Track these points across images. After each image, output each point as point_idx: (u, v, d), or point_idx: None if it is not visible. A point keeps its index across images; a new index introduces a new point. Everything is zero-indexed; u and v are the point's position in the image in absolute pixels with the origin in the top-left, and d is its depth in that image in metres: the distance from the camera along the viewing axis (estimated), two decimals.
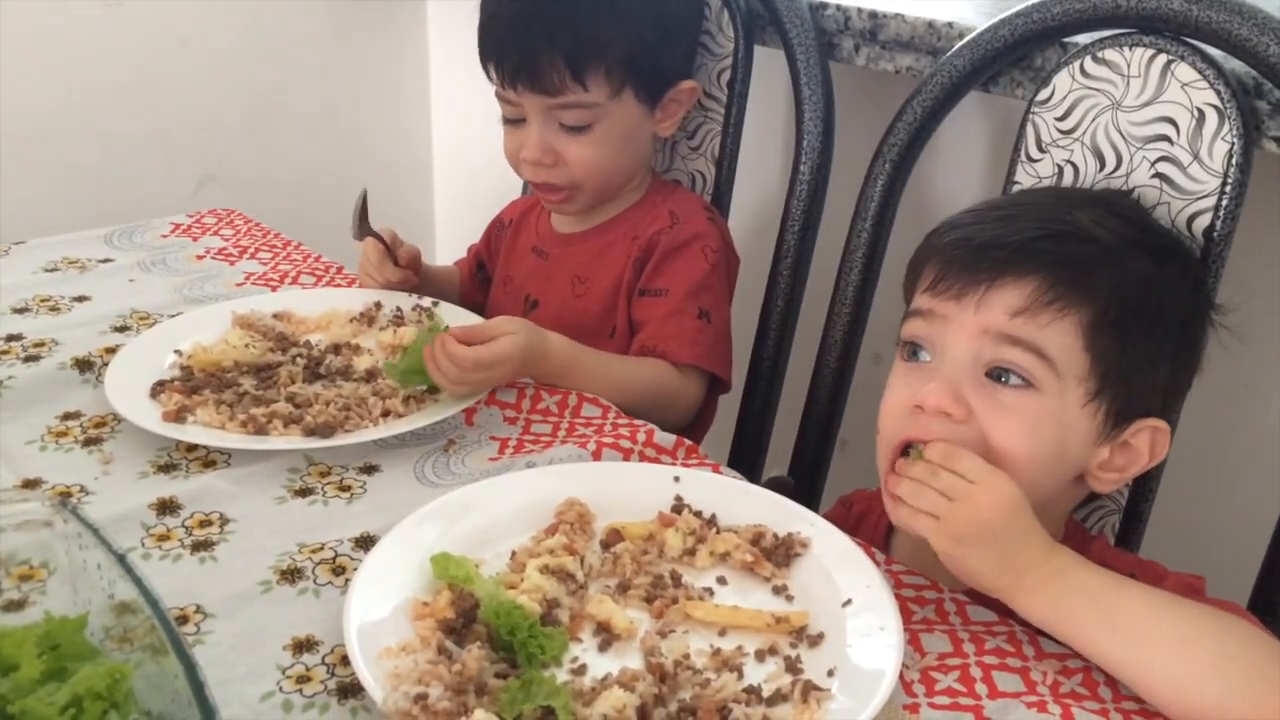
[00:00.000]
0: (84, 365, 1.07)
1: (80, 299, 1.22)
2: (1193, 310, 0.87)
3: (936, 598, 0.80)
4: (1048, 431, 0.81)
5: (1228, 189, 0.91)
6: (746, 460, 1.26)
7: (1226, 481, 1.17)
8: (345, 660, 0.71)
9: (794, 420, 1.24)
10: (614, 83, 1.11)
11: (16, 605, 0.69)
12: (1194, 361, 0.88)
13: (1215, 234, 0.92)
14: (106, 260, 1.33)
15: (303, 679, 0.71)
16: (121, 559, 0.64)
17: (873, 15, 1.19)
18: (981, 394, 0.81)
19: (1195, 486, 1.08)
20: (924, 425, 0.81)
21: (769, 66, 1.28)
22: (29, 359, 1.09)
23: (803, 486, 1.20)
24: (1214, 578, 0.87)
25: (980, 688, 0.72)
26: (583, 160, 1.14)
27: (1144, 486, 0.97)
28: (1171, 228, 0.93)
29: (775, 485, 1.04)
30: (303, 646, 0.74)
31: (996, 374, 0.81)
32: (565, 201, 1.19)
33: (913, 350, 0.86)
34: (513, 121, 1.16)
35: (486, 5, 1.15)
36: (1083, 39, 1.00)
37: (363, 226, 1.21)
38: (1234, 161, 0.91)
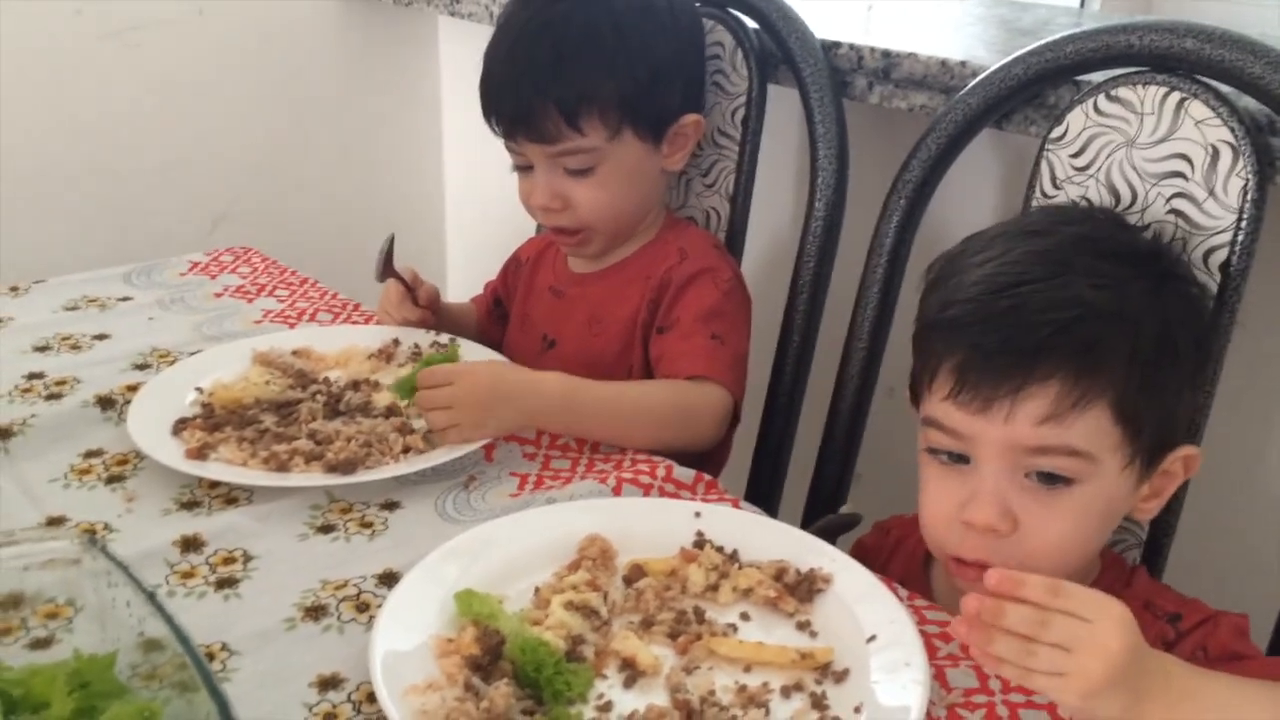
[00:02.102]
0: (106, 403, 1.08)
1: (100, 337, 1.23)
2: (1200, 324, 0.88)
3: None
4: (1095, 512, 0.82)
5: (1243, 224, 0.92)
6: (763, 495, 1.26)
7: (1246, 515, 1.17)
8: (371, 698, 0.71)
9: (811, 454, 1.24)
10: (610, 125, 1.13)
11: (43, 643, 0.70)
12: (1210, 370, 0.89)
13: (1232, 269, 0.93)
14: (126, 299, 1.34)
15: (329, 717, 0.71)
16: (152, 596, 0.64)
17: (886, 54, 1.21)
18: (1025, 499, 0.82)
19: (1214, 519, 1.08)
20: (973, 542, 0.82)
21: (783, 104, 1.29)
22: (51, 397, 1.09)
23: (818, 520, 1.20)
24: (1231, 604, 0.88)
25: None
26: (590, 202, 1.15)
27: (1164, 521, 0.97)
28: (1150, 235, 0.94)
29: (842, 521, 1.04)
30: (328, 684, 0.74)
31: (1035, 475, 0.82)
32: (581, 245, 1.20)
33: (947, 456, 0.85)
34: (522, 169, 1.18)
35: (487, 61, 1.17)
36: (1096, 77, 1.02)
37: (386, 269, 1.22)
38: (1249, 197, 0.92)
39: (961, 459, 0.84)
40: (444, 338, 1.21)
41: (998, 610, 0.65)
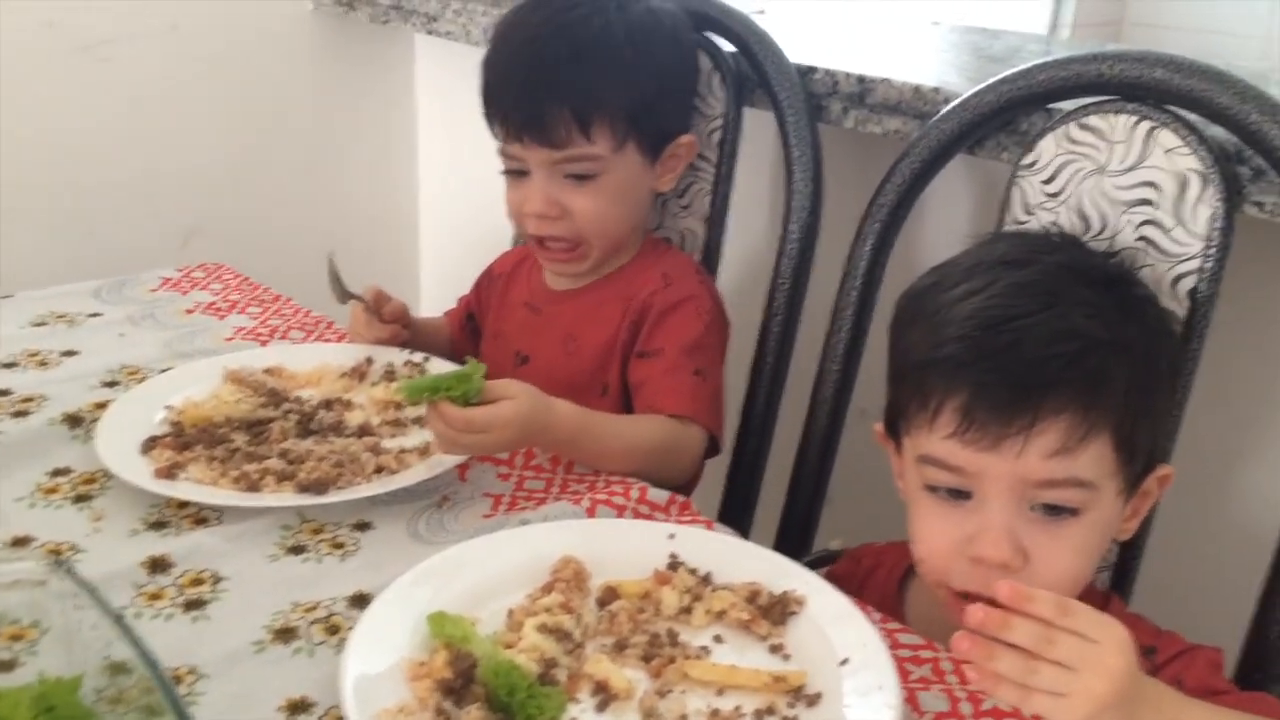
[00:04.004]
0: (74, 421, 1.06)
1: (69, 353, 1.21)
2: (1173, 343, 0.90)
3: (933, 657, 0.80)
4: (1097, 539, 0.83)
5: (1211, 252, 0.93)
6: (736, 517, 1.26)
7: (1211, 538, 1.18)
8: None
9: (783, 476, 1.24)
10: (618, 135, 1.13)
11: (6, 666, 0.69)
12: (1180, 396, 0.90)
13: (1199, 295, 0.94)
14: (95, 314, 1.32)
15: None
16: (119, 619, 0.64)
17: (861, 79, 1.22)
18: (1032, 531, 0.82)
19: (1181, 542, 1.09)
20: (982, 576, 0.81)
21: (758, 127, 1.30)
22: (18, 414, 1.08)
23: (794, 543, 1.20)
24: (1195, 627, 0.88)
25: None
26: (587, 211, 1.15)
27: (1134, 544, 0.98)
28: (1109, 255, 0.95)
29: (825, 558, 1.05)
30: (298, 708, 0.73)
31: (1040, 507, 0.82)
32: (576, 259, 1.19)
33: (947, 491, 0.85)
34: (515, 174, 1.17)
35: (492, 64, 1.17)
36: (1067, 105, 1.03)
37: (341, 290, 1.21)
38: (1217, 225, 0.93)
39: (962, 494, 0.84)
40: (417, 356, 1.20)
41: (1003, 623, 0.64)
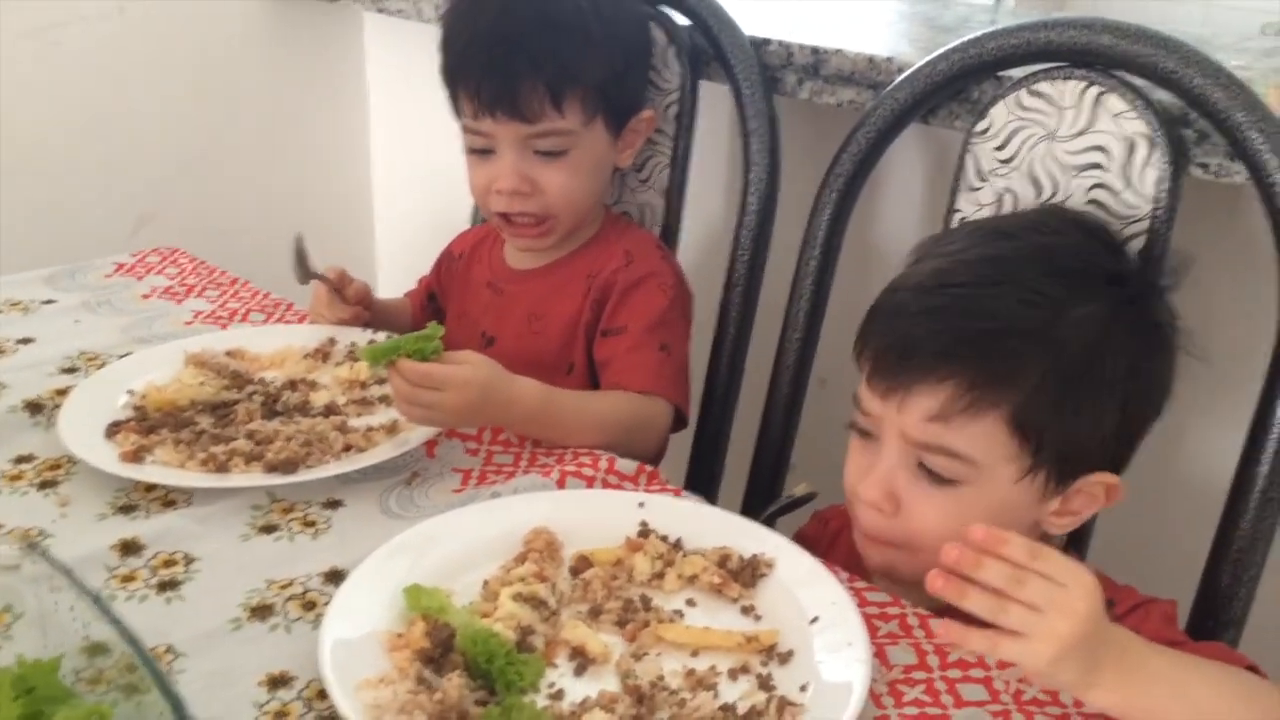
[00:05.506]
0: (34, 408, 1.06)
1: (25, 341, 1.20)
2: (1145, 350, 0.87)
3: (899, 613, 0.83)
4: (979, 514, 0.80)
5: (1159, 213, 0.96)
6: (702, 486, 1.28)
7: (1163, 492, 1.21)
8: (322, 694, 0.71)
9: (746, 444, 1.26)
10: (588, 110, 1.14)
11: None
12: (1154, 400, 0.89)
13: (1148, 256, 0.96)
14: (50, 301, 1.31)
15: (280, 715, 0.71)
16: (97, 600, 0.64)
17: (815, 50, 1.23)
18: (911, 484, 0.86)
19: (1132, 502, 1.12)
20: (866, 515, 0.88)
21: (715, 100, 1.31)
22: None
23: (759, 511, 1.22)
24: (1152, 584, 0.91)
25: (946, 698, 0.75)
26: (558, 187, 1.15)
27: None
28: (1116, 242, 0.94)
29: (798, 501, 1.06)
30: (278, 682, 0.74)
31: (924, 468, 0.85)
32: (543, 235, 1.19)
33: (859, 430, 0.90)
34: (481, 152, 1.16)
35: (457, 35, 1.15)
36: (1017, 73, 1.05)
37: (305, 271, 1.20)
38: (1164, 187, 0.96)
39: (871, 436, 0.89)
40: (380, 335, 1.20)
41: (976, 562, 0.66)
